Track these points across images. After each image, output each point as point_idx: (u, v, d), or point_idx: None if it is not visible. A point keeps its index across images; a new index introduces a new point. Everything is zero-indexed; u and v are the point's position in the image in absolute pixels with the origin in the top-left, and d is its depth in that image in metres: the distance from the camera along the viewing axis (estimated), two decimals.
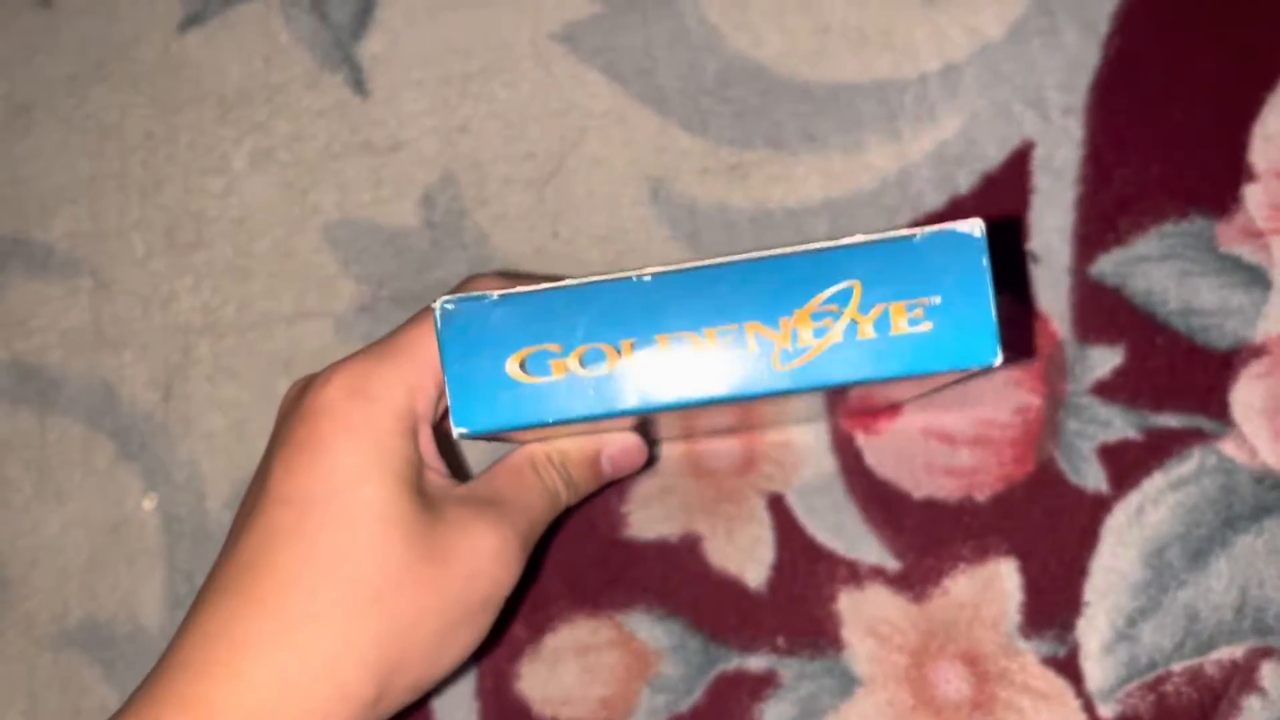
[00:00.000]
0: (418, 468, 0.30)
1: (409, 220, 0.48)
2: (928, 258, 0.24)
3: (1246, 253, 0.43)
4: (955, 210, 0.45)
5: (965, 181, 0.45)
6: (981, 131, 0.45)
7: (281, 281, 0.48)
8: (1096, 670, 0.40)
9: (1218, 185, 0.44)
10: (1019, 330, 0.43)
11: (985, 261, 0.24)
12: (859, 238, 0.24)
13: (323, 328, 0.47)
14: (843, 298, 0.24)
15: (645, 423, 0.33)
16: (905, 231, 0.24)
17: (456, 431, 0.26)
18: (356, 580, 0.28)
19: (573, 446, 0.34)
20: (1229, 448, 0.42)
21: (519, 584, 0.32)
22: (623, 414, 0.25)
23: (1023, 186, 0.45)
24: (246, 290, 0.48)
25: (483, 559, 0.30)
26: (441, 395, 0.31)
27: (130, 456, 0.46)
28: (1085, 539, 0.41)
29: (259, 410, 0.46)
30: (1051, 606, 0.41)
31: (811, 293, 0.24)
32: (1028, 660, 0.41)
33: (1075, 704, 0.40)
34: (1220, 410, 0.42)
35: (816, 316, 0.24)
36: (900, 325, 0.24)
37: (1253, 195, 0.43)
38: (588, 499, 0.39)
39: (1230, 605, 0.40)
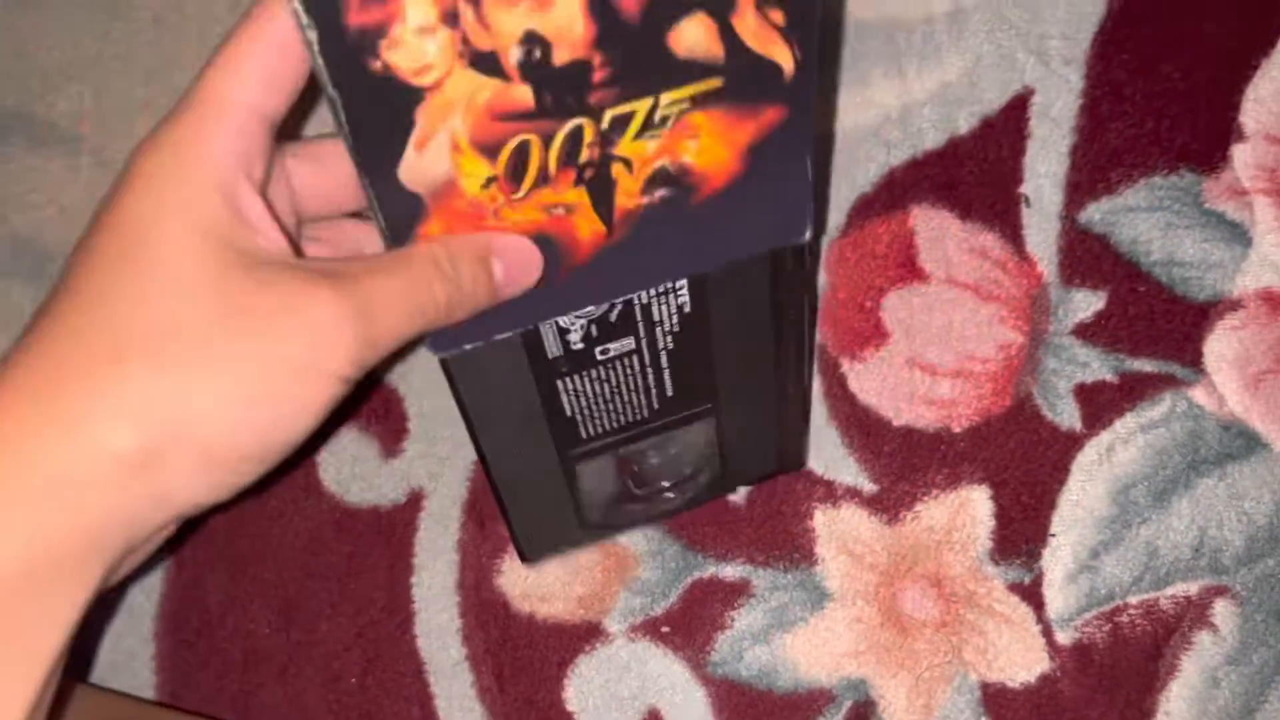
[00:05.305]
0: (230, 224, 0.27)
1: None
2: None
3: (1230, 210, 0.44)
4: (954, 150, 0.46)
5: (965, 123, 0.46)
6: (984, 75, 0.46)
7: None
8: (1058, 598, 0.42)
9: (1208, 143, 0.45)
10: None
11: None
12: None
13: None
14: None
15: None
16: None
17: None
18: (126, 328, 0.26)
19: (461, 240, 0.30)
20: (1199, 395, 0.43)
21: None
22: None
23: (1020, 131, 0.46)
24: None
25: (302, 324, 0.27)
26: (267, 153, 0.29)
27: None
28: (1056, 473, 0.43)
29: None
30: (1020, 535, 0.42)
31: None
32: (994, 585, 0.42)
33: (1036, 629, 0.42)
34: (1194, 359, 0.43)
35: None
36: None
37: (1240, 155, 0.45)
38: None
39: (1189, 544, 0.42)
